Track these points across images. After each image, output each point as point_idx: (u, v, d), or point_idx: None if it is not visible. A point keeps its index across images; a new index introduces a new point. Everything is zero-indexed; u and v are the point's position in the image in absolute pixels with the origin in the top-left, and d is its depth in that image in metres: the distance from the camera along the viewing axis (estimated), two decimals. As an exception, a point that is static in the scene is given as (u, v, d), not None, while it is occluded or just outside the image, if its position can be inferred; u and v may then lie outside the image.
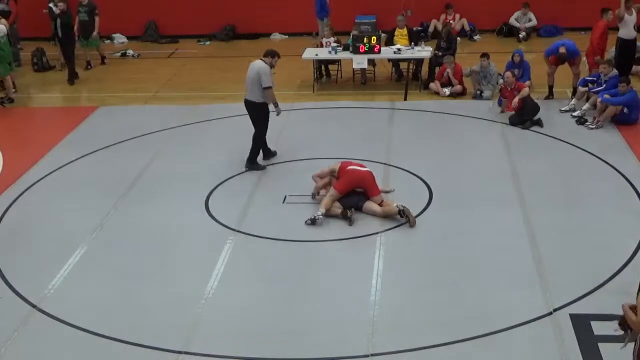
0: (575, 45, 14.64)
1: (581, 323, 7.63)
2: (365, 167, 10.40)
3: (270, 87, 11.50)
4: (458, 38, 17.52)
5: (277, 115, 11.76)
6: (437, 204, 10.38)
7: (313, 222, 9.86)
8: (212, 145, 12.84)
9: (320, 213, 9.91)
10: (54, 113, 15.31)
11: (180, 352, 7.45)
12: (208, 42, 20.87)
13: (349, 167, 10.23)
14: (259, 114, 11.72)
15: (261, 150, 11.94)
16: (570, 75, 14.59)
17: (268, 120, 11.80)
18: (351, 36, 15.88)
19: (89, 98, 16.15)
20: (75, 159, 12.36)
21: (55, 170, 11.95)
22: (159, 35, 21.22)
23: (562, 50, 14.34)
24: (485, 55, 14.90)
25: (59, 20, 16.65)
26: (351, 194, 10.15)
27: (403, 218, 9.80)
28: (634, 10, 14.69)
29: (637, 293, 5.70)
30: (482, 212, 10.11)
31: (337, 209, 10.03)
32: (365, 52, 15.44)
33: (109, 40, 21.21)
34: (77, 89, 16.86)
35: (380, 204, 10.04)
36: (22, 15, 18.89)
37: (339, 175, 10.26)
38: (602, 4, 15.01)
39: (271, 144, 12.26)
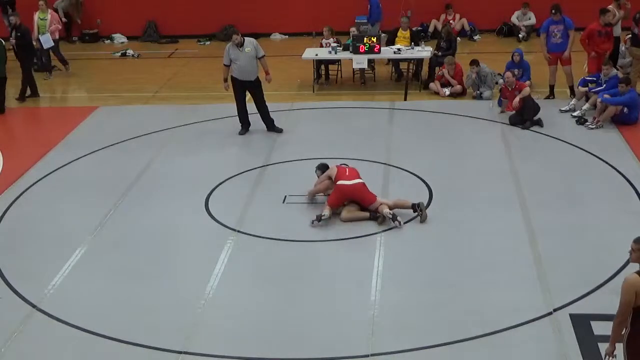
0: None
1: (581, 323, 7.63)
2: (355, 179, 10.07)
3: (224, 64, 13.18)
4: (458, 38, 17.53)
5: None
6: (437, 204, 10.37)
7: (319, 219, 9.78)
8: (212, 145, 12.83)
9: (326, 213, 9.83)
10: (54, 113, 15.30)
11: (180, 352, 7.45)
12: (208, 42, 20.86)
13: (339, 182, 10.04)
14: None
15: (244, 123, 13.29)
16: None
17: (236, 93, 13.16)
18: (351, 36, 15.88)
19: (89, 98, 16.16)
20: (75, 159, 12.36)
21: (55, 170, 11.94)
22: (159, 35, 21.22)
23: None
24: (474, 63, 14.85)
25: (13, 33, 15.98)
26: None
27: (416, 212, 9.87)
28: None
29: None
30: (482, 212, 10.11)
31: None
32: (365, 52, 15.45)
33: (109, 40, 21.24)
34: (77, 89, 16.87)
35: (378, 208, 9.87)
36: (23, 18, 18.81)
37: (334, 182, 10.16)
38: (601, 4, 15.01)
39: (271, 144, 12.46)
